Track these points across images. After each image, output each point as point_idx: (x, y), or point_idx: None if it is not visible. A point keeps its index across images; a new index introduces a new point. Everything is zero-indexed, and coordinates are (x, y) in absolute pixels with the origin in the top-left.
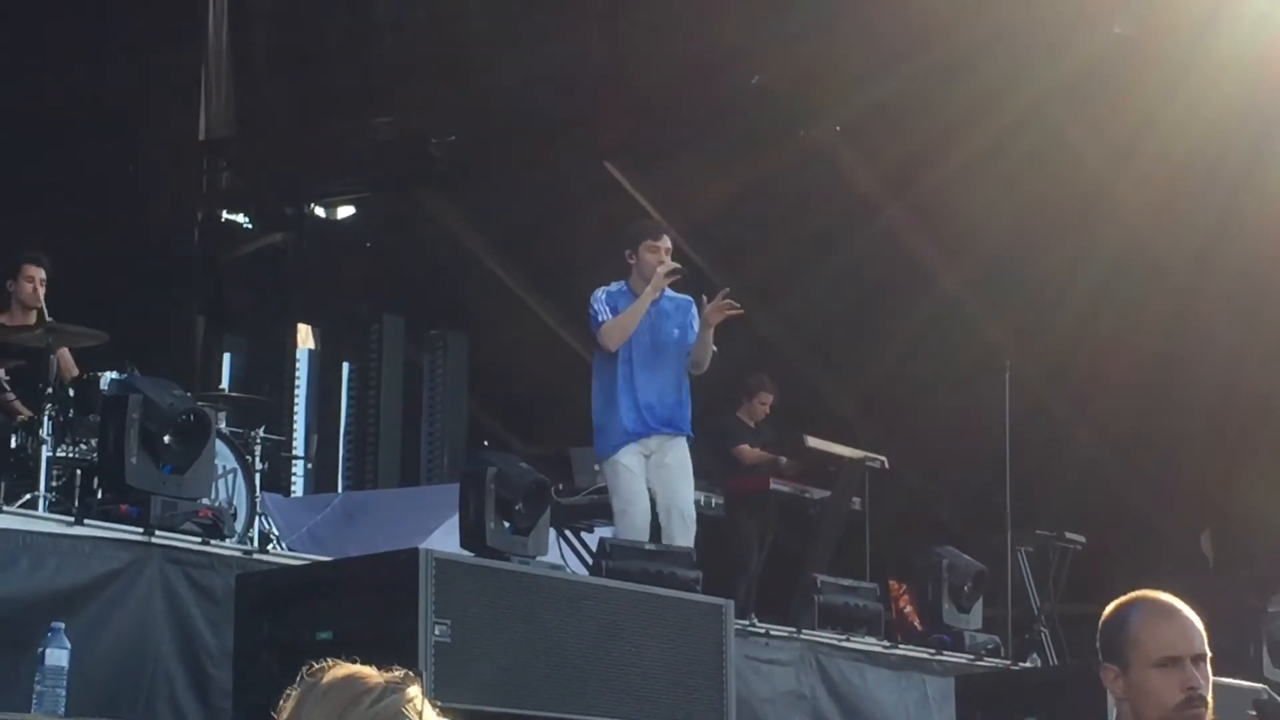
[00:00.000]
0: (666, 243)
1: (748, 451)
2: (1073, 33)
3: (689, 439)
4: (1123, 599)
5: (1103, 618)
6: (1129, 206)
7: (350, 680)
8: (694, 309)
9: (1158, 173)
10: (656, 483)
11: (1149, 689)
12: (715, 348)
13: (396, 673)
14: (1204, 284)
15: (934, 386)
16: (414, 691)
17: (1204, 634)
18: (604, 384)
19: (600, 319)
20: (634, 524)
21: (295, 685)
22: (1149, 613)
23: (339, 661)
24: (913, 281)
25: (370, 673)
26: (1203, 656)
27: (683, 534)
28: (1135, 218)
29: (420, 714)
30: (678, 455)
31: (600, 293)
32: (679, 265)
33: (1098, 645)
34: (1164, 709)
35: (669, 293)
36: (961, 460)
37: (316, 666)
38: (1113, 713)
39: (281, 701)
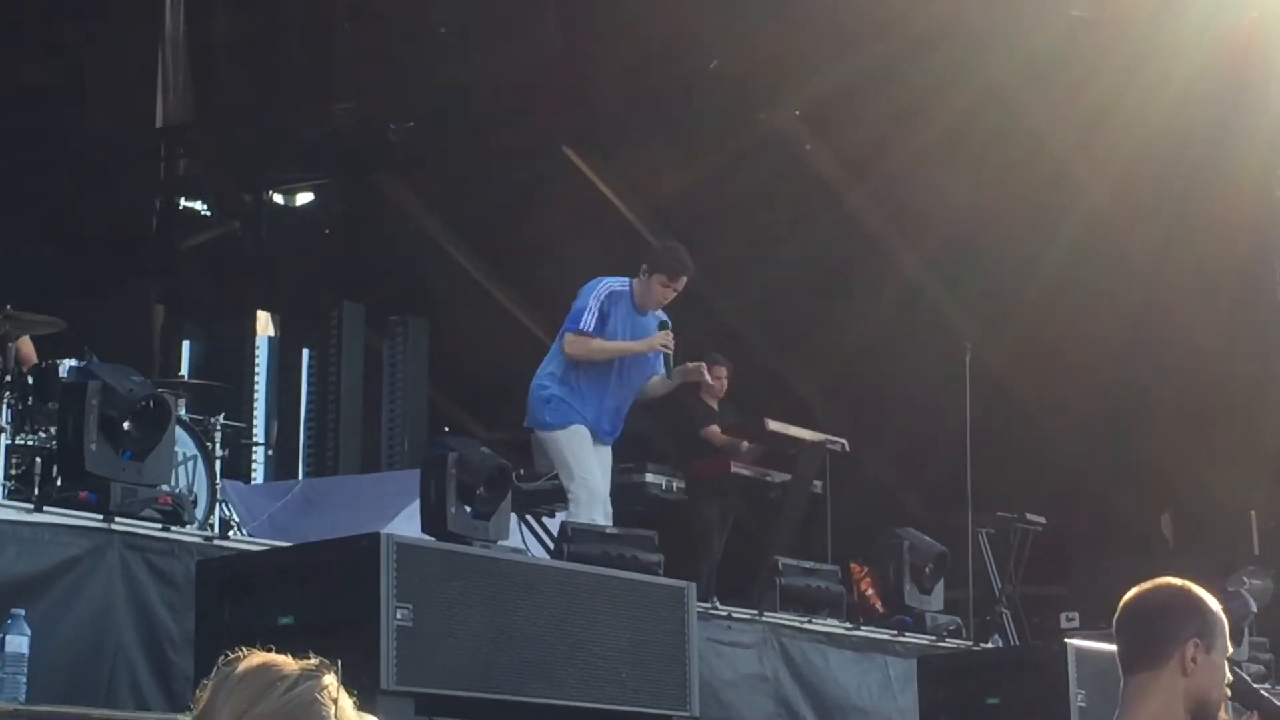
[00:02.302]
0: (681, 284)
1: (716, 433)
2: (1032, 15)
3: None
4: (1178, 583)
5: (1170, 595)
6: (1090, 190)
7: (264, 668)
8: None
9: (1118, 156)
10: None
11: (1219, 672)
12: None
13: (311, 661)
14: (1165, 267)
15: (896, 370)
16: (329, 679)
17: None
18: (574, 367)
19: (583, 322)
20: (596, 492)
21: (210, 676)
22: (1218, 607)
23: (254, 651)
24: (874, 265)
25: (286, 661)
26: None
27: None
28: (1096, 201)
29: (335, 701)
30: (607, 455)
31: (602, 287)
32: (670, 347)
33: (1169, 617)
34: (1220, 694)
35: (657, 312)
36: (923, 443)
37: (232, 656)
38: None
39: (197, 691)
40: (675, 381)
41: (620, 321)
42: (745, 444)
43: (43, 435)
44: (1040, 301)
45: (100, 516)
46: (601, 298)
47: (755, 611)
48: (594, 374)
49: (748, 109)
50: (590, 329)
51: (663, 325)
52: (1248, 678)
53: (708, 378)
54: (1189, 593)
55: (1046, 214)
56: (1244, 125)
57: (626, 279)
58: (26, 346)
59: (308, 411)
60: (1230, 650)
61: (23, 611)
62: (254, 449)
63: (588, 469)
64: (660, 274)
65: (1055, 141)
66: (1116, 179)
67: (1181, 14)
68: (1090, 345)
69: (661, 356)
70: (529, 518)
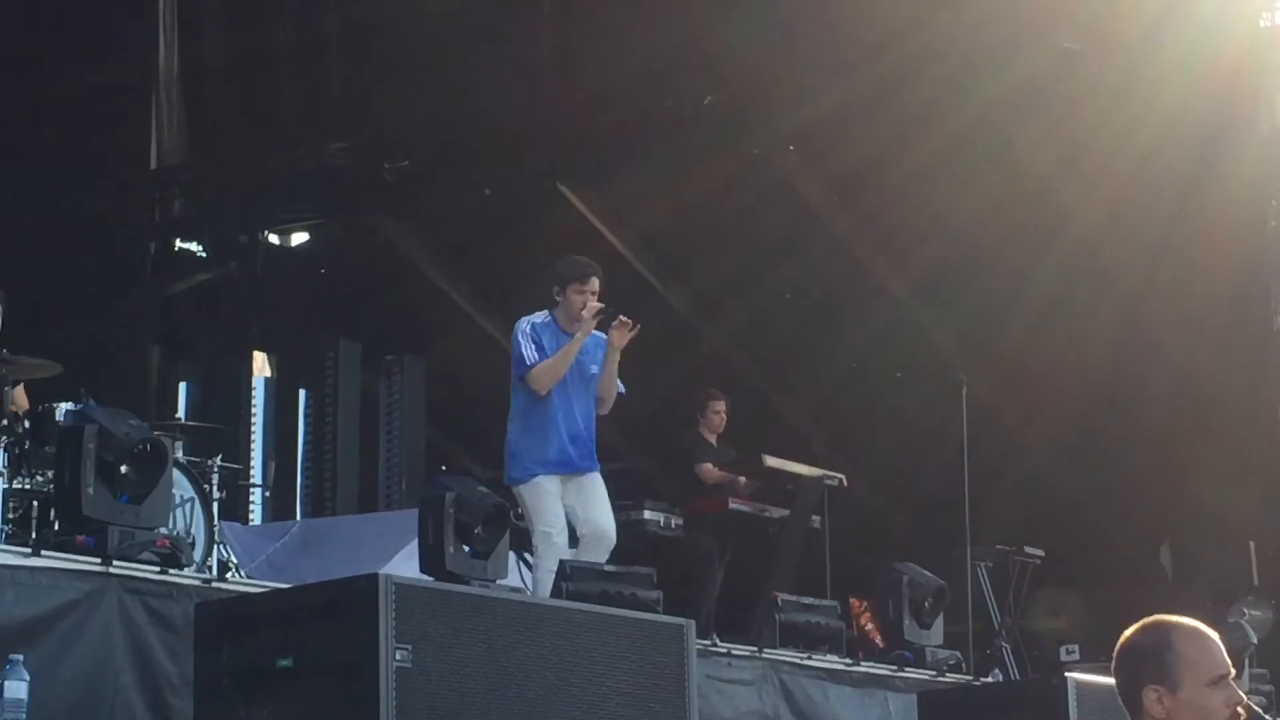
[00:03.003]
0: (594, 285)
1: (709, 471)
2: (1020, 44)
3: (602, 470)
4: (1149, 622)
5: (1132, 643)
6: (1077, 216)
7: None
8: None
9: (1105, 183)
10: (579, 506)
11: (1203, 706)
12: (622, 389)
13: None
14: (1152, 292)
15: (886, 398)
16: None
17: None
18: (525, 414)
19: (528, 360)
20: (560, 550)
21: None
22: (1193, 635)
23: None
24: (862, 293)
25: None
26: (1233, 675)
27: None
28: (1084, 227)
29: None
30: (596, 482)
31: (525, 325)
32: (604, 306)
33: (1129, 668)
34: None
35: (594, 333)
36: (916, 472)
37: None
38: None
39: None
40: (590, 326)
41: (552, 347)
42: (742, 479)
43: (40, 479)
44: (1029, 328)
45: (98, 560)
46: (528, 333)
47: (754, 648)
48: (542, 411)
49: (738, 140)
50: (537, 359)
51: (612, 319)
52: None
53: (624, 320)
54: (1146, 638)
55: (1035, 239)
56: (1231, 152)
57: (545, 311)
58: (20, 394)
59: (305, 452)
60: (1231, 673)
61: (21, 656)
62: (251, 490)
63: (547, 521)
64: (572, 283)
65: (1043, 167)
66: (1105, 205)
67: (1169, 42)
68: (1080, 372)
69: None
70: (527, 556)
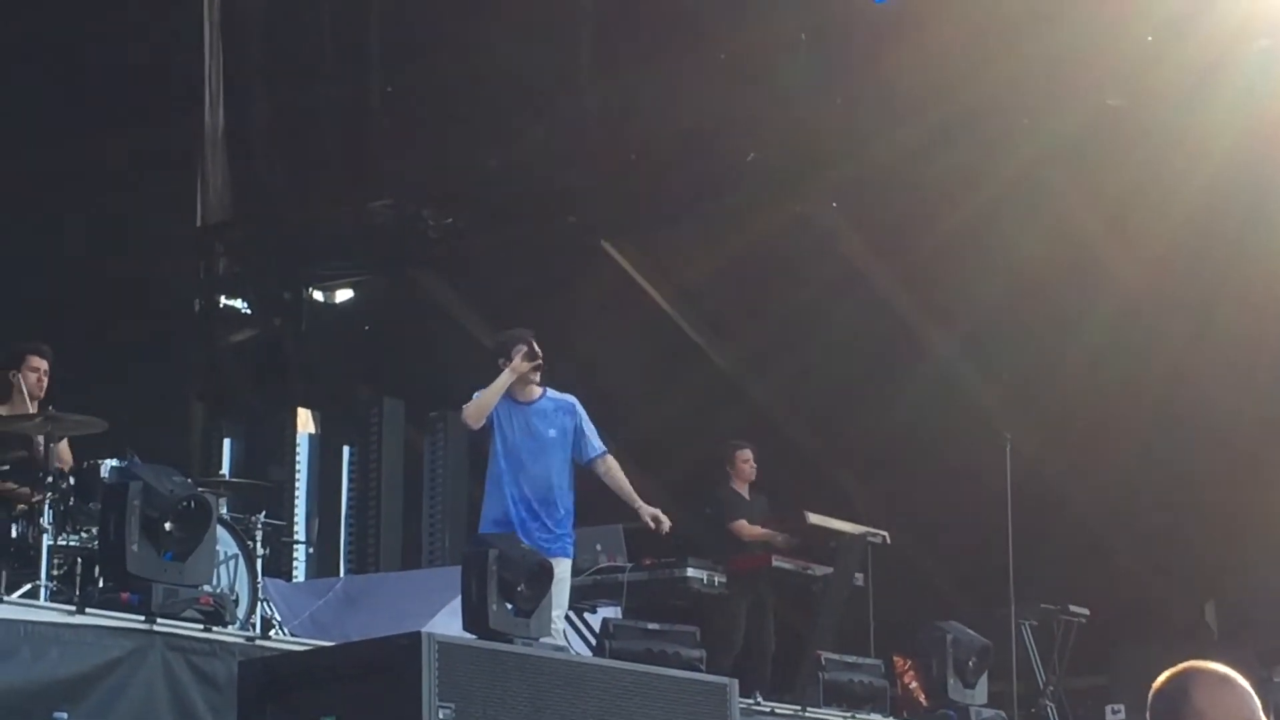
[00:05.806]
0: (536, 346)
1: (745, 528)
2: (1064, 101)
3: (572, 557)
4: (1176, 670)
5: (1156, 689)
6: (1123, 272)
7: None
8: (577, 408)
9: (1151, 238)
10: None
11: None
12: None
13: None
14: (1199, 349)
15: (930, 455)
16: None
17: (1259, 703)
18: (486, 475)
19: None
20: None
21: None
22: (1210, 683)
23: None
24: (907, 349)
25: None
26: None
27: None
28: (1129, 283)
29: None
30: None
31: (477, 393)
32: (538, 353)
33: (1152, 717)
34: None
35: (550, 393)
36: (960, 530)
37: None
38: None
39: None
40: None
41: (505, 416)
42: (780, 536)
43: (85, 536)
44: (1074, 384)
45: (142, 617)
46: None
47: (799, 707)
48: (494, 472)
49: (782, 197)
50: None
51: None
52: None
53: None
54: (1167, 686)
55: (1080, 296)
56: (1276, 209)
57: None
58: (63, 450)
59: (348, 508)
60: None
61: (65, 714)
62: (295, 547)
63: None
64: (518, 347)
65: (1088, 223)
66: (1150, 261)
67: (1214, 97)
68: (1126, 429)
69: (575, 432)
70: (570, 613)
